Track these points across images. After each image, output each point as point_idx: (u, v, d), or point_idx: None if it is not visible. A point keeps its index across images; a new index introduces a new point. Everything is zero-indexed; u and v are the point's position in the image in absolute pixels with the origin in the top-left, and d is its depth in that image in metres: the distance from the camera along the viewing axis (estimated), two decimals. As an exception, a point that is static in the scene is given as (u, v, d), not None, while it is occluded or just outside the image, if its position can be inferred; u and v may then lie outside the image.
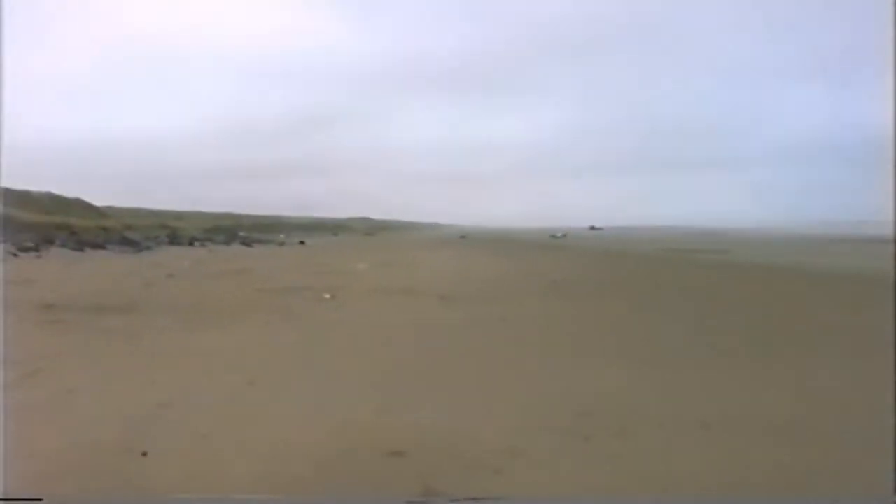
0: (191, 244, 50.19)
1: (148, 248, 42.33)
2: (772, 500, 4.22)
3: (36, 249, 33.61)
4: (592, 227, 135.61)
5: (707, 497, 4.20)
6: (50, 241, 38.86)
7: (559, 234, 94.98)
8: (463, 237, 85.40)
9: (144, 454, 5.03)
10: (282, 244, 57.38)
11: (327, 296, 15.44)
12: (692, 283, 20.54)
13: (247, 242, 56.45)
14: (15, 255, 29.74)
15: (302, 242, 60.54)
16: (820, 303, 14.79)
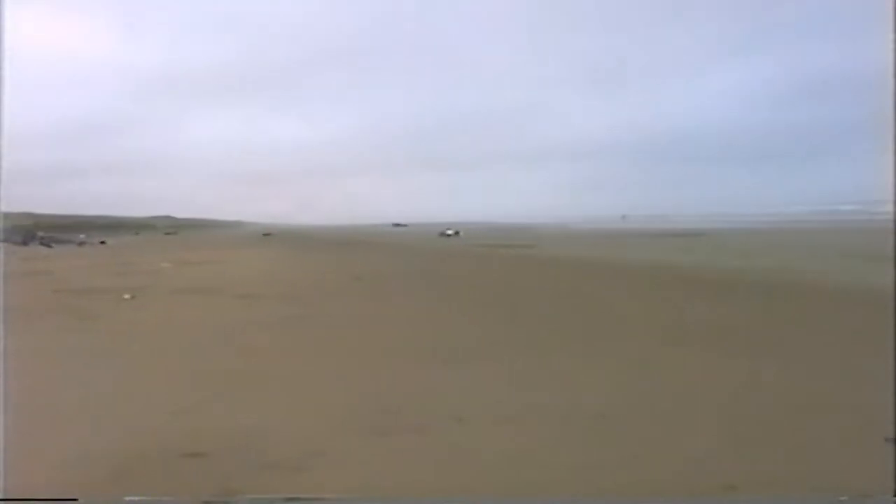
0: (-16, 245, 45.24)
1: (-65, 249, 37.59)
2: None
3: None
4: (396, 224, 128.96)
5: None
6: None
7: (450, 232, 67.49)
8: (267, 235, 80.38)
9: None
10: (82, 244, 52.51)
11: (127, 296, 14.42)
12: (498, 277, 20.61)
13: (45, 243, 51.12)
14: None
15: (103, 242, 55.71)
16: (624, 293, 15.00)
